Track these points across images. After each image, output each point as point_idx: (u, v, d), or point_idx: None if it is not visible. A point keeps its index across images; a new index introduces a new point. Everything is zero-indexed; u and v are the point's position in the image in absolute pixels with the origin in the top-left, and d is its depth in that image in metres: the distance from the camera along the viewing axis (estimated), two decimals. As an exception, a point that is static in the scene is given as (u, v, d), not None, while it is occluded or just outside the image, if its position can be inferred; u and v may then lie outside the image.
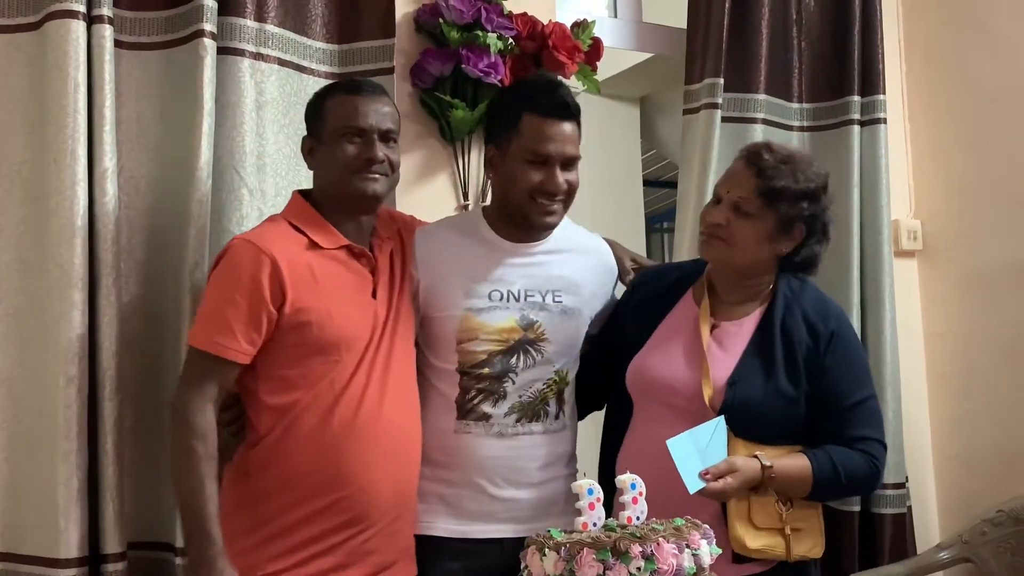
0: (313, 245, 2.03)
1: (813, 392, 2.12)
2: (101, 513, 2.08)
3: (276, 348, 1.98)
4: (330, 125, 2.07)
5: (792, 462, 2.07)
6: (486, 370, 2.14)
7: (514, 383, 2.15)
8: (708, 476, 1.97)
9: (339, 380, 2.00)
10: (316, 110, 2.12)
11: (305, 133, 2.15)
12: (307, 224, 2.06)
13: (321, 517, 1.98)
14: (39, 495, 2.05)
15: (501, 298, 2.16)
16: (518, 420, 2.16)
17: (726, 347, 2.16)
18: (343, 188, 2.06)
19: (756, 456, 2.04)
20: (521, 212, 2.17)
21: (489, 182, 2.24)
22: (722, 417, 2.04)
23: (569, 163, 2.15)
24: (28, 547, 2.06)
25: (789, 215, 2.12)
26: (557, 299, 2.20)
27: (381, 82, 2.43)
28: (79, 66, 2.09)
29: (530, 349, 2.16)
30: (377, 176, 2.06)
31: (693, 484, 1.96)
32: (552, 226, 2.20)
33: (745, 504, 2.04)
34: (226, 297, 1.96)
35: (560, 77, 2.56)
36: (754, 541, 2.04)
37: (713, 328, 2.18)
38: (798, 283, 2.22)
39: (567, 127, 2.13)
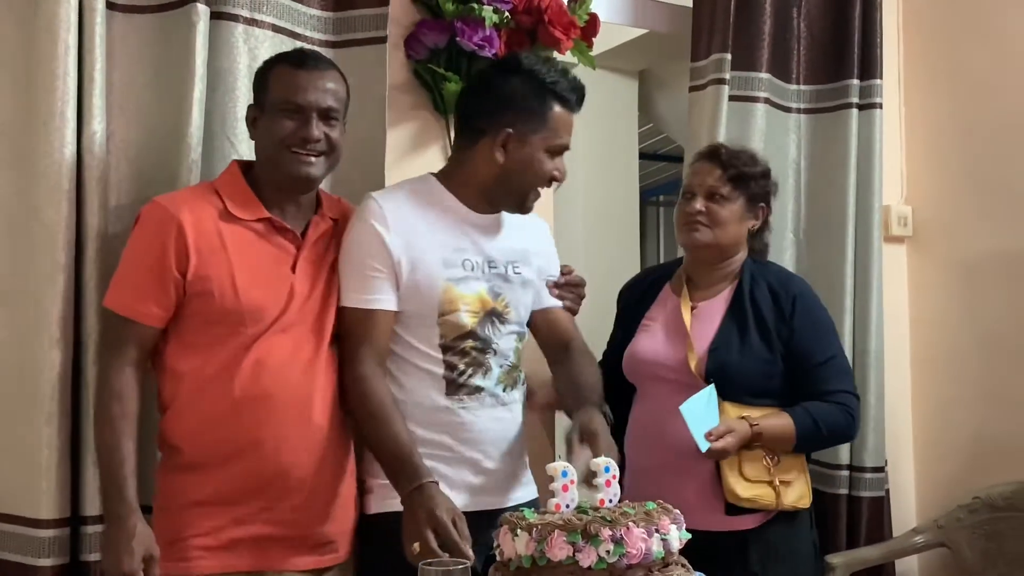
0: (228, 214, 2.00)
1: (787, 353, 2.36)
2: (82, 475, 2.09)
3: (183, 314, 1.98)
4: (270, 97, 2.03)
5: (776, 420, 2.32)
6: (469, 342, 2.14)
7: (495, 353, 2.17)
8: (711, 437, 2.22)
9: (243, 349, 1.96)
10: (261, 79, 2.07)
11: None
12: (228, 194, 2.02)
13: (233, 484, 1.96)
14: (21, 456, 2.06)
15: (472, 268, 2.16)
16: (504, 389, 2.18)
17: (704, 322, 2.41)
18: (276, 165, 2.03)
19: (744, 417, 2.29)
20: (523, 197, 2.17)
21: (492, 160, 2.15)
22: (712, 385, 2.29)
23: None
24: (9, 507, 2.08)
25: (755, 193, 2.44)
26: (516, 271, 2.22)
27: (374, 51, 2.43)
28: (70, 28, 2.07)
29: (496, 320, 2.17)
30: (311, 158, 2.02)
31: (703, 444, 2.21)
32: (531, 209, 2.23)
33: (736, 459, 2.29)
34: (138, 260, 1.97)
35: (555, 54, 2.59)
36: (745, 491, 2.29)
37: (692, 309, 2.41)
38: (762, 263, 2.51)
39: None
